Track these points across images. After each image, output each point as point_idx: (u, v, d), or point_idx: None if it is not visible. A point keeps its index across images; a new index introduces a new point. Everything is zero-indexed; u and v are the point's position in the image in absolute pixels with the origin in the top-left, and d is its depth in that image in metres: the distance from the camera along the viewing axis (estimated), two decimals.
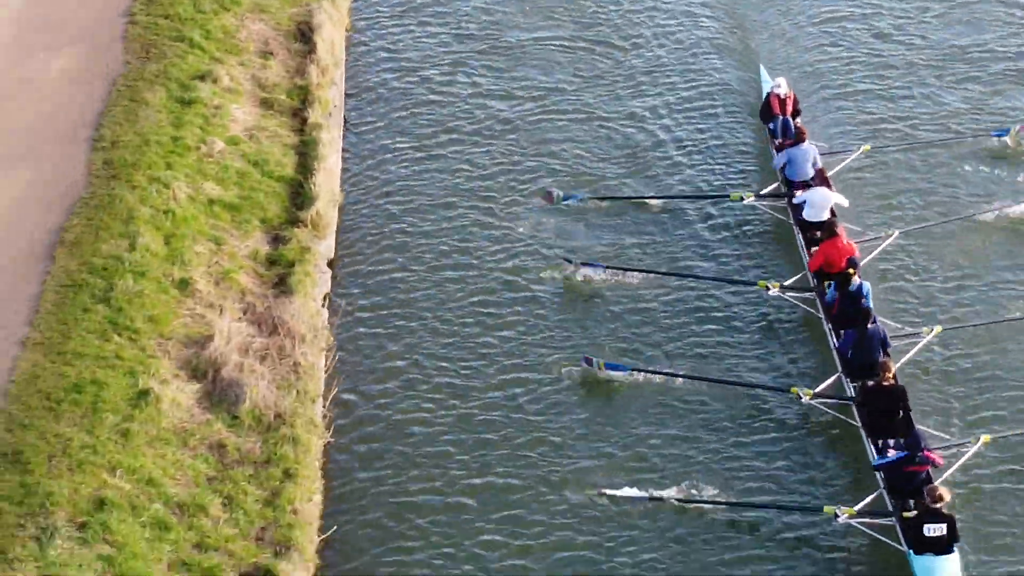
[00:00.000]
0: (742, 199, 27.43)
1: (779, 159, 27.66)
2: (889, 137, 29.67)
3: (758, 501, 21.68)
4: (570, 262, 25.94)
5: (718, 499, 21.70)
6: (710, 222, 27.61)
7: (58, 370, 22.33)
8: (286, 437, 22.44)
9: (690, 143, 29.80)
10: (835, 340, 24.09)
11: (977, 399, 23.54)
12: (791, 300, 25.13)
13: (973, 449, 22.03)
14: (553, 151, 29.50)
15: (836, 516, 21.10)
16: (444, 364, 24.77)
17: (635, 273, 25.93)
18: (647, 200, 27.81)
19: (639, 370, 23.69)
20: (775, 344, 24.85)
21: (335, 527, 21.84)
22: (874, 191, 28.29)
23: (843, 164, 28.27)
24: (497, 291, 25.98)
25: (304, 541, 21.11)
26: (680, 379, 23.65)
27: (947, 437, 22.21)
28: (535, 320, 25.37)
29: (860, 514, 21.06)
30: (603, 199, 27.77)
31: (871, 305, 23.91)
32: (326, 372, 24.18)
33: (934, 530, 20.34)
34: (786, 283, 25.32)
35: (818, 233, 25.85)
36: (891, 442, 22.00)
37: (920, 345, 23.87)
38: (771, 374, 24.21)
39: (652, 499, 21.62)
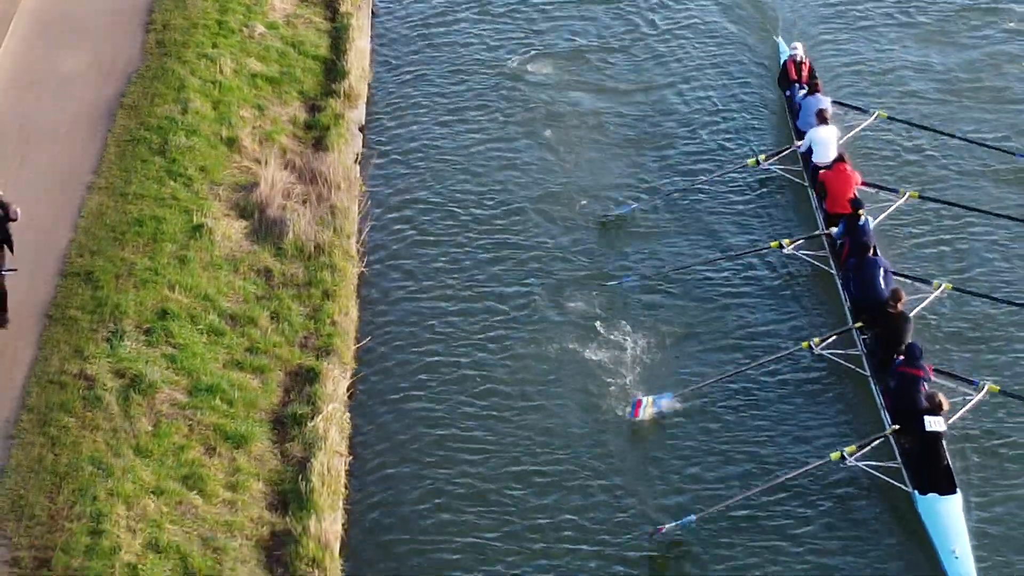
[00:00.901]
0: (758, 163, 27.07)
1: (803, 144, 26.86)
2: (907, 112, 29.14)
3: (772, 482, 21.12)
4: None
5: (736, 496, 20.98)
6: (728, 194, 27.38)
7: (121, 208, 24.66)
8: (325, 264, 24.75)
9: (708, 117, 29.42)
10: (844, 292, 24.25)
11: (982, 356, 23.52)
12: (805, 256, 25.09)
13: (978, 396, 21.99)
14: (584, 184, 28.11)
15: (843, 458, 21.05)
16: (468, 199, 27.23)
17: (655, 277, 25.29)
18: (667, 195, 27.21)
19: (679, 393, 22.87)
20: (792, 301, 24.87)
21: (369, 337, 24.09)
22: (890, 153, 28.11)
23: (858, 129, 27.81)
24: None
25: (342, 347, 23.42)
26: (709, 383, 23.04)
27: (950, 380, 22.30)
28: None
29: (866, 452, 21.16)
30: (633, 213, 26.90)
31: (872, 240, 24.14)
32: (359, 214, 26.40)
33: (934, 422, 20.75)
34: (800, 239, 25.27)
35: None
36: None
37: (930, 298, 23.74)
38: (786, 332, 24.10)
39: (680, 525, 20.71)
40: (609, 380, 23.18)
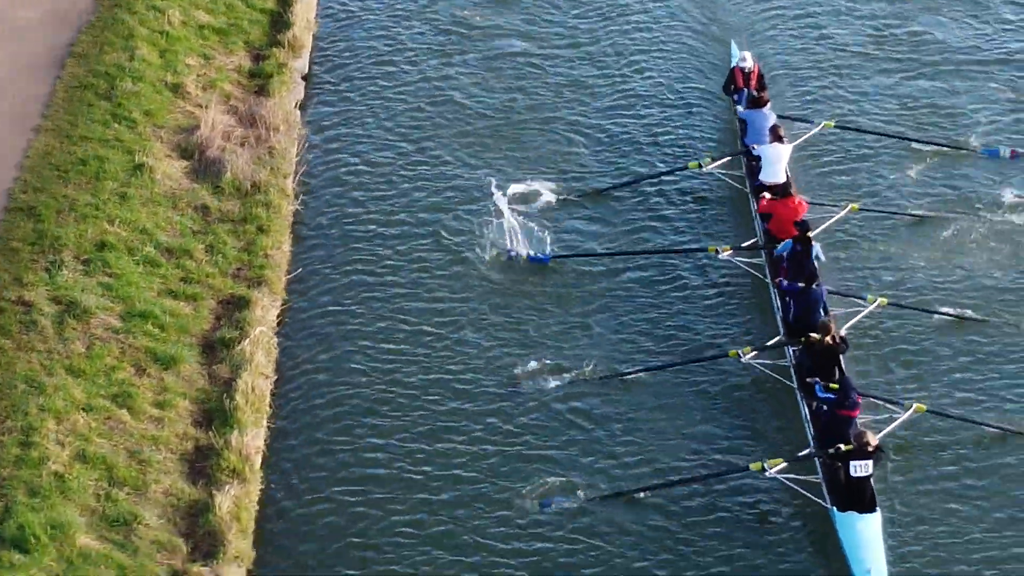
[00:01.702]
0: (701, 167, 26.48)
1: (743, 112, 27.00)
2: (857, 120, 28.59)
3: (688, 477, 20.96)
4: (512, 257, 24.83)
5: (652, 484, 20.85)
6: (668, 194, 26.84)
7: (67, 148, 25.36)
8: (260, 202, 25.48)
9: (655, 119, 28.83)
10: (778, 301, 23.58)
11: (911, 373, 22.95)
12: (740, 264, 24.55)
13: (905, 416, 21.42)
14: (520, 139, 28.30)
15: (764, 470, 20.53)
16: (404, 144, 27.92)
17: (585, 258, 25.18)
18: (612, 189, 26.79)
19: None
20: (722, 308, 24.30)
21: (300, 269, 24.81)
22: (834, 165, 27.46)
23: (803, 137, 27.20)
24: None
25: (273, 278, 24.15)
26: (623, 373, 22.83)
27: (879, 401, 21.80)
28: None
29: (788, 465, 20.62)
30: (566, 198, 26.62)
31: (817, 268, 23.46)
32: (297, 156, 27.11)
33: (860, 468, 20.02)
34: (738, 246, 24.75)
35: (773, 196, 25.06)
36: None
37: (863, 313, 23.25)
38: (714, 338, 23.61)
39: (588, 500, 20.68)
40: (521, 336, 23.68)
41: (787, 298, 23.09)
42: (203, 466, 20.61)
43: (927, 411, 21.68)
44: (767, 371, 22.48)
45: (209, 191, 25.50)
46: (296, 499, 20.87)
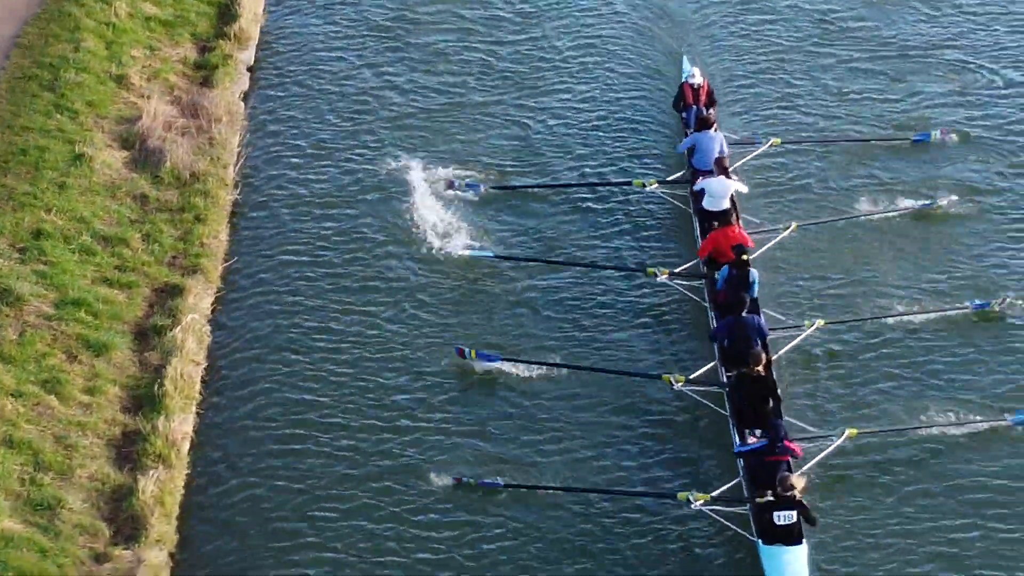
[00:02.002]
0: (644, 186, 25.91)
1: (684, 143, 26.12)
2: (802, 132, 27.95)
3: (612, 488, 20.66)
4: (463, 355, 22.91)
5: (573, 486, 20.68)
6: (611, 209, 26.20)
7: (7, 139, 25.51)
8: (199, 191, 25.64)
9: (602, 131, 28.20)
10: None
11: (850, 394, 22.29)
12: (678, 287, 23.98)
13: (837, 443, 20.86)
14: (461, 136, 28.14)
15: (689, 502, 19.99)
16: (346, 136, 28.02)
17: (524, 262, 24.75)
18: (547, 188, 26.53)
19: (511, 359, 22.52)
20: (658, 331, 23.63)
21: (236, 258, 24.95)
22: (778, 184, 26.68)
23: (751, 155, 26.67)
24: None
25: (209, 267, 24.30)
26: (553, 368, 22.53)
27: (812, 429, 21.22)
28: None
29: (714, 500, 20.00)
30: (503, 188, 26.46)
31: (756, 295, 22.78)
32: (238, 147, 27.25)
33: (783, 518, 19.22)
34: (676, 270, 24.15)
35: (716, 223, 24.24)
36: (757, 432, 20.66)
37: (801, 337, 22.67)
38: (649, 361, 22.98)
39: (507, 486, 20.56)
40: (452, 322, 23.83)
41: (721, 328, 22.29)
42: (130, 451, 20.76)
43: (859, 434, 21.10)
44: (700, 399, 21.84)
45: (148, 181, 25.64)
46: (222, 483, 20.99)
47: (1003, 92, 29.10)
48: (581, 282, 24.56)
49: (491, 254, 24.78)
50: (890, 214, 25.68)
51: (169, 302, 23.23)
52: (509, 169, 27.18)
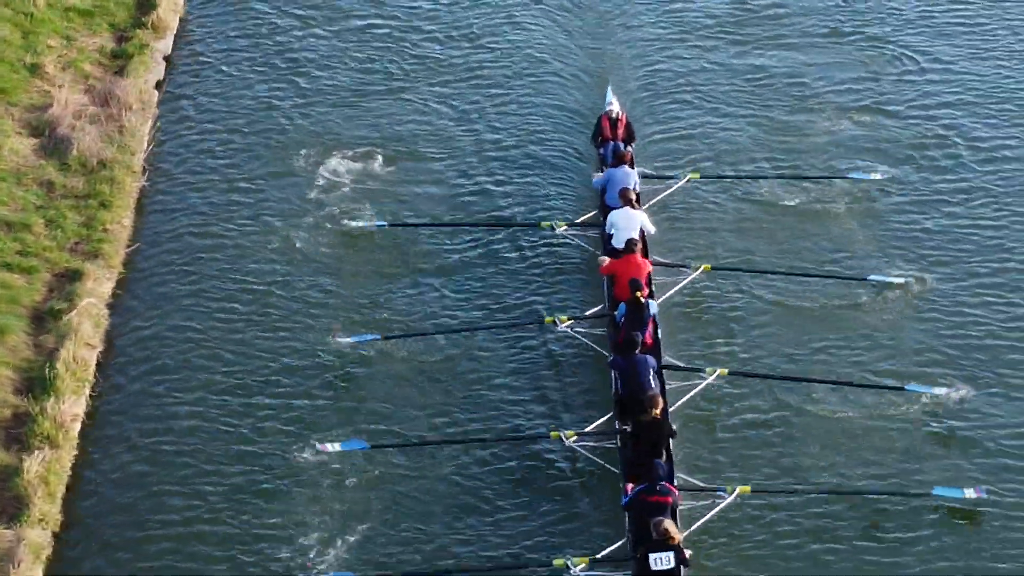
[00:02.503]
0: (553, 228, 24.42)
1: (599, 179, 24.82)
2: (725, 167, 26.69)
3: (485, 567, 19.47)
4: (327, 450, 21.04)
5: (438, 569, 19.37)
6: (516, 252, 24.82)
7: None
8: (105, 178, 25.76)
9: (515, 166, 26.87)
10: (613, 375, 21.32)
11: (747, 448, 21.02)
12: (579, 335, 22.53)
13: (729, 499, 19.67)
14: (367, 167, 26.88)
15: (568, 568, 18.73)
16: (258, 125, 28.14)
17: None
18: (447, 227, 25.14)
19: (381, 445, 20.81)
20: (553, 383, 22.24)
21: (140, 243, 25.08)
22: (693, 222, 25.42)
23: (667, 191, 25.32)
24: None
25: (111, 252, 24.41)
26: (434, 446, 21.06)
27: (700, 484, 20.07)
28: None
29: (595, 563, 18.82)
30: (402, 225, 25.08)
31: (658, 335, 21.68)
32: (149, 135, 27.36)
33: (660, 561, 18.15)
34: (579, 315, 22.74)
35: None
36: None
37: (702, 386, 21.35)
38: (539, 413, 21.63)
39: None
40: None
41: (615, 371, 20.87)
42: (18, 433, 20.85)
43: (752, 491, 19.90)
44: (591, 455, 20.46)
45: (56, 167, 25.76)
46: (112, 463, 21.02)
47: (937, 133, 27.77)
48: (474, 335, 22.96)
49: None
50: (808, 273, 24.04)
51: (68, 286, 23.34)
52: (411, 202, 26.05)
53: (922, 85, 29.32)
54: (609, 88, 27.48)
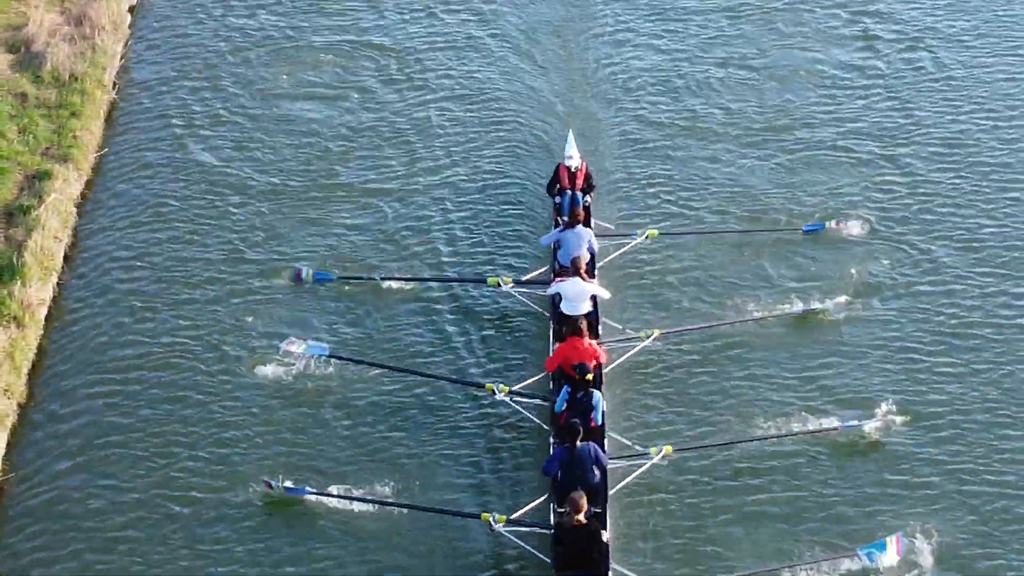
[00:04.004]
0: (500, 285, 22.47)
1: (548, 238, 22.95)
2: (684, 222, 24.44)
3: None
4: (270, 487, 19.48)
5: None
6: (460, 311, 22.73)
7: None
8: (76, 90, 26.68)
9: (465, 217, 24.76)
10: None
11: (692, 534, 18.90)
12: (518, 407, 20.43)
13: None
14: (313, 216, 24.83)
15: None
16: (224, 41, 29.08)
17: (357, 364, 21.41)
18: (394, 282, 22.98)
19: (320, 494, 19.27)
20: (489, 458, 20.14)
21: (107, 150, 26.01)
22: (648, 284, 23.21)
23: (623, 249, 23.38)
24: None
25: (80, 157, 25.33)
26: (360, 503, 19.16)
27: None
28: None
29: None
30: (351, 279, 23.04)
31: (600, 421, 19.50)
32: (120, 55, 28.30)
33: None
34: (517, 387, 20.57)
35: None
36: None
37: (646, 467, 19.39)
38: (471, 493, 19.54)
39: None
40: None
41: (552, 461, 18.69)
42: None
43: None
44: (520, 542, 18.42)
45: (30, 80, 26.68)
46: (76, 343, 21.97)
47: (905, 180, 25.44)
48: (410, 394, 21.17)
49: (326, 354, 21.40)
50: (769, 318, 22.14)
51: (37, 185, 24.26)
52: (353, 254, 23.96)
53: (903, 138, 26.70)
54: (570, 135, 25.29)
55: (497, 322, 22.54)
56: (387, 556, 18.62)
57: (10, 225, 23.51)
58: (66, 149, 25.28)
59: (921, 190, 25.22)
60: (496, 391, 20.45)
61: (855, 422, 20.21)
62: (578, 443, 18.39)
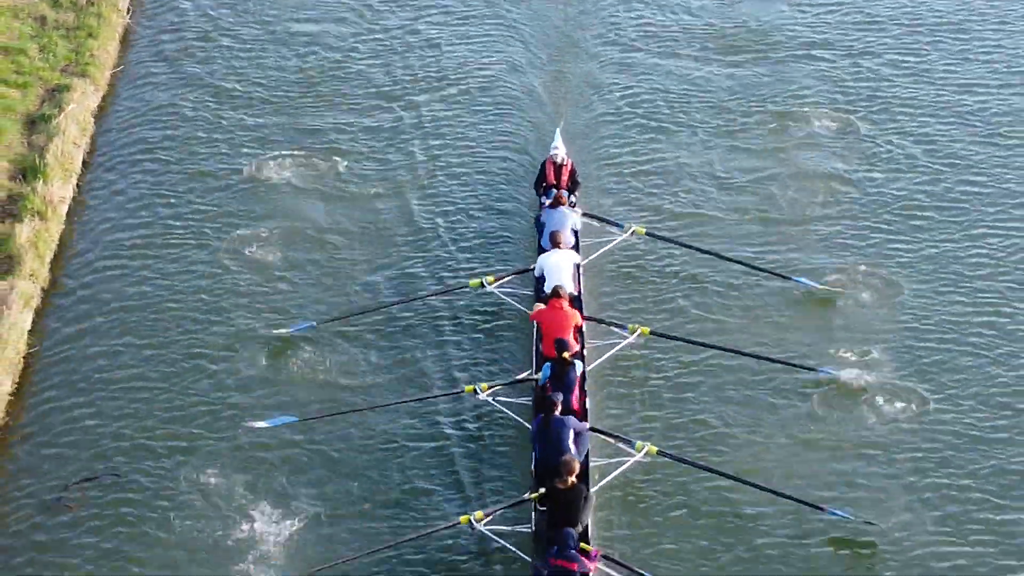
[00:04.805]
0: (483, 285, 21.71)
1: (536, 269, 21.72)
2: (675, 223, 23.68)
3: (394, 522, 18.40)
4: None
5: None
6: (437, 316, 22.04)
7: None
8: (94, 13, 28.34)
9: (452, 218, 24.13)
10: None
11: (670, 530, 18.59)
12: (499, 404, 19.89)
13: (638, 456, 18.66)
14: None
15: (471, 524, 17.78)
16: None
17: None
18: (372, 312, 21.95)
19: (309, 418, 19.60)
20: (467, 460, 19.67)
21: (123, 66, 27.70)
22: (632, 280, 22.64)
23: (610, 243, 22.69)
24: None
25: (97, 73, 27.01)
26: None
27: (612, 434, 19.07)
28: None
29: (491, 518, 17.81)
30: (334, 319, 21.72)
31: (585, 400, 19.57)
32: None
33: None
34: (499, 385, 20.09)
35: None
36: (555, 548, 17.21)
37: (630, 463, 18.86)
38: (447, 500, 19.04)
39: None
40: None
41: (534, 435, 18.70)
42: (12, 208, 23.45)
43: None
44: (502, 540, 18.01)
45: (49, 5, 28.44)
46: (94, 237, 23.63)
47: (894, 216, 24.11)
48: (390, 411, 20.36)
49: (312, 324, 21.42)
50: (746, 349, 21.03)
51: (57, 97, 25.90)
52: (330, 283, 22.81)
53: (892, 155, 25.63)
54: (558, 131, 24.63)
55: (477, 323, 21.87)
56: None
57: (33, 132, 25.13)
58: (84, 66, 26.89)
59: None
60: (477, 390, 19.90)
61: (831, 369, 20.32)
62: (554, 415, 18.44)
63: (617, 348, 20.59)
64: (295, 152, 25.45)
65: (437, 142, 25.91)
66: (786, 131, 26.00)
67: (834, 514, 18.30)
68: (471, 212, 24.27)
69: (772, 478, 18.98)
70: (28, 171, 24.11)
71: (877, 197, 24.44)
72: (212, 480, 19.13)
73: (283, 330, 21.43)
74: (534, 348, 20.62)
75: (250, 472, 19.24)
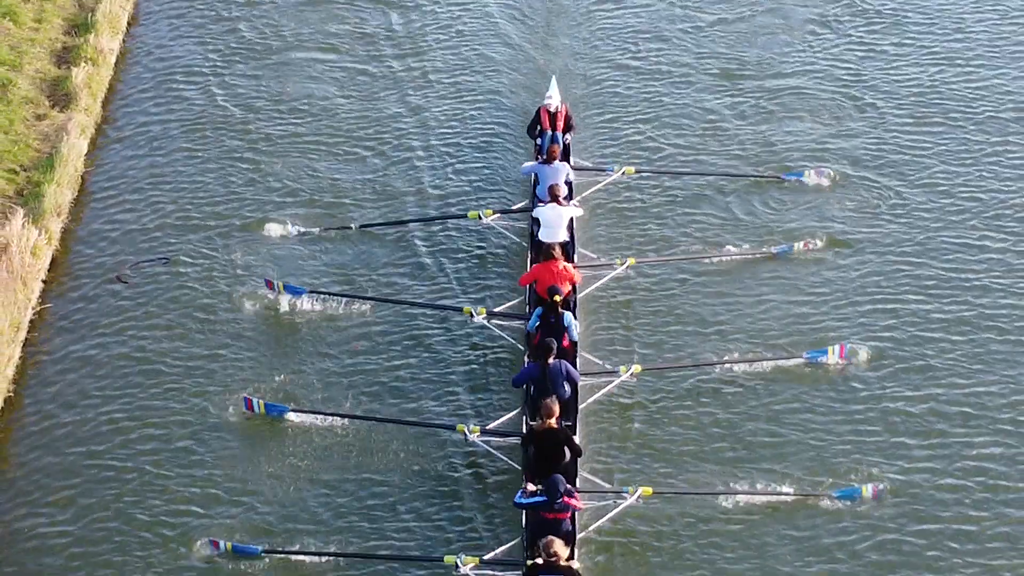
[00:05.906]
0: (481, 218, 22.59)
1: (528, 168, 22.98)
2: (662, 162, 24.33)
3: (375, 553, 17.71)
4: (272, 288, 21.34)
5: (339, 552, 17.65)
6: (438, 243, 22.79)
7: None
8: None
9: (448, 158, 24.69)
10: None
11: (655, 446, 19.08)
12: (496, 328, 20.58)
13: (630, 500, 18.00)
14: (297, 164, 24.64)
15: (457, 566, 17.22)
16: None
17: (339, 299, 21.33)
18: (375, 228, 22.83)
19: (298, 411, 19.38)
20: (465, 376, 20.29)
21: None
22: (623, 217, 23.23)
23: (600, 184, 23.40)
24: None
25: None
26: (344, 419, 19.34)
27: (606, 485, 18.38)
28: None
29: (485, 564, 17.28)
30: (328, 229, 22.78)
31: (575, 339, 19.67)
32: None
33: None
34: (496, 309, 20.88)
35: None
36: (540, 487, 17.31)
37: (615, 384, 19.55)
38: (449, 407, 19.71)
39: (265, 551, 17.49)
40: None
41: (522, 375, 19.11)
42: (67, 58, 26.17)
43: (653, 494, 18.19)
44: (494, 451, 18.75)
45: None
46: (139, 80, 26.44)
47: (886, 132, 25.01)
48: (392, 320, 21.21)
49: (306, 291, 21.41)
50: (737, 258, 22.17)
51: None
52: (331, 197, 23.80)
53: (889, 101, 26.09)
54: (553, 79, 25.12)
55: (478, 252, 22.58)
56: (366, 465, 18.79)
57: None
58: None
59: (894, 137, 25.01)
60: (474, 313, 20.60)
61: (817, 353, 20.28)
62: (551, 360, 18.76)
63: (607, 278, 21.40)
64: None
65: (434, 93, 26.47)
66: (779, 76, 26.67)
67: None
68: (466, 152, 24.88)
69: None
70: (80, 26, 26.80)
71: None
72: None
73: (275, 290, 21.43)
74: (529, 288, 20.86)
75: None
